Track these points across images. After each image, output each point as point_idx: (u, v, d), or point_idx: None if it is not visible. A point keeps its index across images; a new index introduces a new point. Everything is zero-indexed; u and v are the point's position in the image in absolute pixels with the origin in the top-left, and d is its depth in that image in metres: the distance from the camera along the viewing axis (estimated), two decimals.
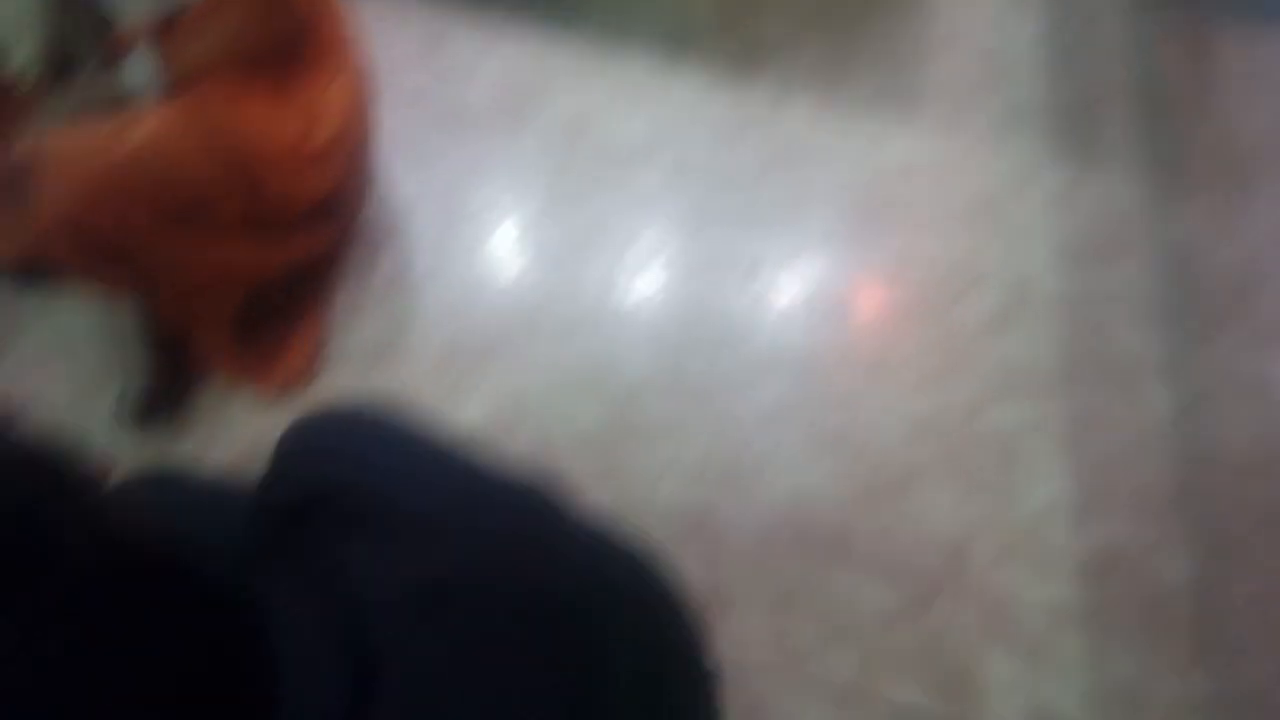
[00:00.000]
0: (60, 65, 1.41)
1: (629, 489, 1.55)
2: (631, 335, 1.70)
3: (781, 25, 2.10)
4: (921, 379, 1.65)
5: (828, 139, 1.93)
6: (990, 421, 1.61)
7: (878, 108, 1.95)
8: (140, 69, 1.37)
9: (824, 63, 2.03)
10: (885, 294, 1.74)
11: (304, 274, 1.70)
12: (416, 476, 0.59)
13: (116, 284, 1.44)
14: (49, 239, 1.30)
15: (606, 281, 1.77)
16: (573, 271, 1.79)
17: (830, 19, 2.09)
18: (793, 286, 1.75)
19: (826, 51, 2.05)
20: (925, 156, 1.90)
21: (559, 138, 1.97)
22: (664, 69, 2.04)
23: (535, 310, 1.74)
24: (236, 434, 1.63)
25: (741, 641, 1.42)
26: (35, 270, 1.42)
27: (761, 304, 1.73)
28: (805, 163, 1.90)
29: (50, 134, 1.32)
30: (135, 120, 1.32)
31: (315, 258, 1.70)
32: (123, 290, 1.47)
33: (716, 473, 1.57)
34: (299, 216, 1.54)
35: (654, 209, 1.86)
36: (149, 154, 1.30)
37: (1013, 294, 1.73)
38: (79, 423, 1.65)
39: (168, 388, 1.67)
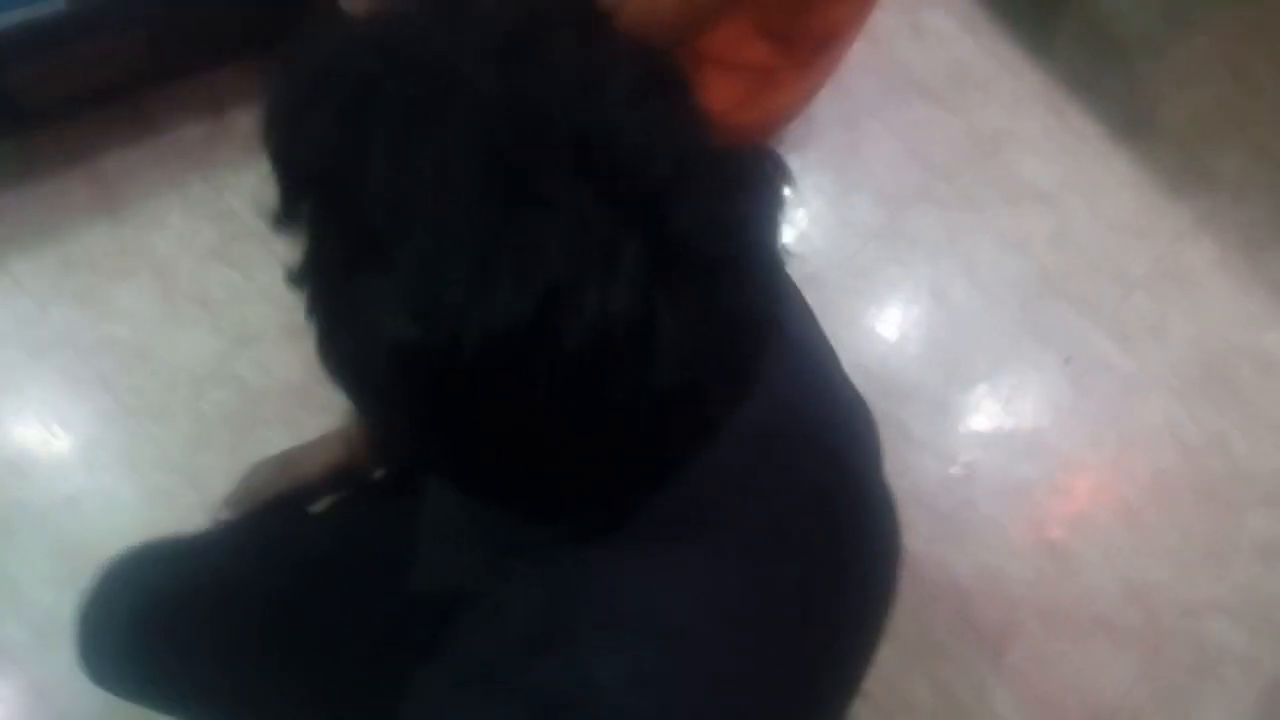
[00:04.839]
0: None
1: None
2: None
3: (1243, 167, 1.93)
4: (1160, 551, 1.60)
5: (1208, 290, 1.81)
6: (1202, 630, 1.56)
7: None
8: None
9: (1263, 224, 1.88)
10: (1179, 458, 1.67)
11: None
12: None
13: None
14: None
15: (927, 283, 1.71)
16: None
17: None
18: (1092, 392, 1.69)
19: (1273, 215, 1.89)
20: None
21: (971, 141, 1.81)
22: (1110, 136, 1.90)
23: None
24: None
25: None
26: None
27: (1050, 390, 1.69)
28: (1175, 299, 1.80)
29: None
30: None
31: None
32: None
33: (930, 504, 1.56)
34: None
35: (1009, 253, 1.74)
36: None
37: None
38: None
39: None
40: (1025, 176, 1.85)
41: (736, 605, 0.56)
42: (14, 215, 1.42)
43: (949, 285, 1.73)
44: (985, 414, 1.65)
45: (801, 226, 1.73)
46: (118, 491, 1.32)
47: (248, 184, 1.47)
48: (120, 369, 1.38)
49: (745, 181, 0.45)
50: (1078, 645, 1.52)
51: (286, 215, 0.45)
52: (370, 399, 0.46)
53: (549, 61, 0.42)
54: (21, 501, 1.29)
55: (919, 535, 1.52)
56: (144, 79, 1.41)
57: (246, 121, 1.52)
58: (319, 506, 1.03)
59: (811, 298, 1.68)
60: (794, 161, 1.74)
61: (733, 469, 0.53)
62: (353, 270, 0.42)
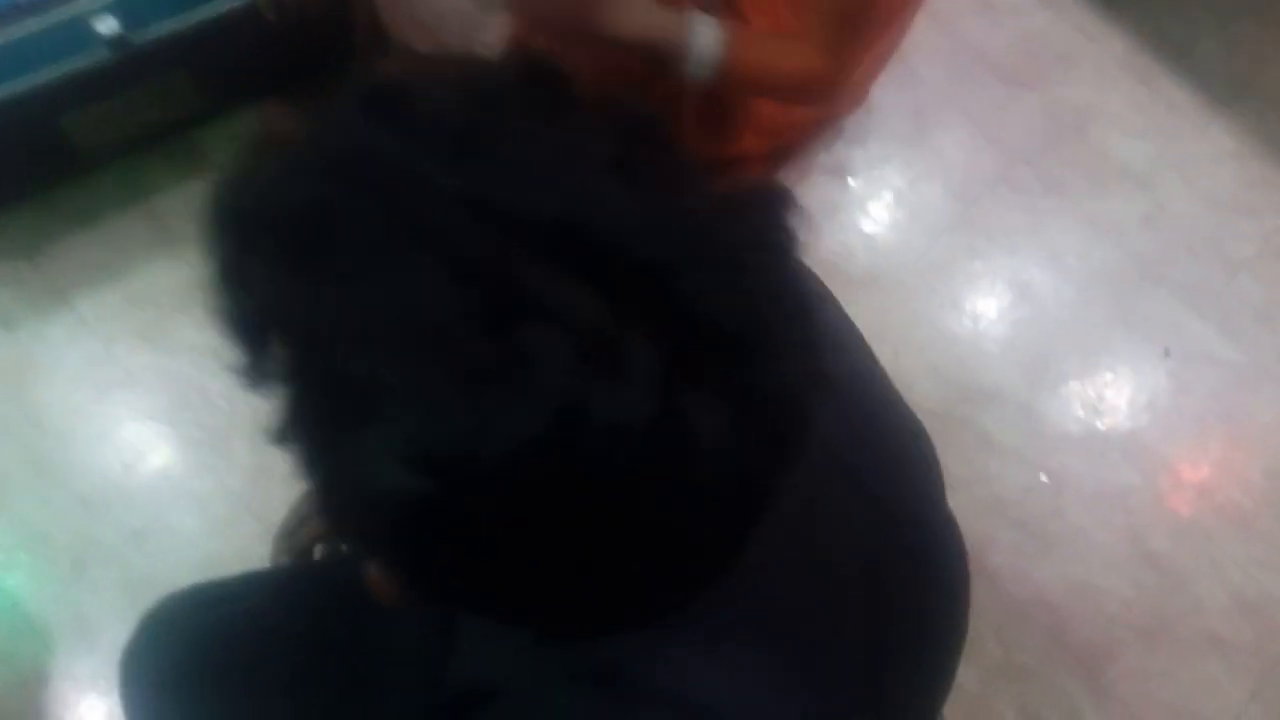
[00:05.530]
0: None
1: None
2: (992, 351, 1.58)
3: None
4: (1275, 560, 1.48)
5: None
6: None
7: None
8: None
9: None
10: None
11: None
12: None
13: None
14: None
15: (988, 279, 1.63)
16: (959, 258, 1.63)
17: None
18: (1194, 387, 1.58)
19: None
20: None
21: (1052, 120, 1.75)
22: (1207, 106, 1.79)
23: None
24: None
25: None
26: None
27: (1148, 386, 1.58)
28: None
29: None
30: None
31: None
32: None
33: (1014, 515, 1.47)
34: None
35: (1099, 240, 1.66)
36: None
37: None
38: None
39: None
40: (1114, 155, 1.73)
41: (793, 681, 0.52)
42: (78, 255, 1.45)
43: (1033, 278, 1.62)
44: (1075, 415, 1.54)
45: (868, 224, 1.65)
46: (182, 524, 1.34)
47: None
48: (182, 403, 1.40)
49: (752, 235, 0.40)
50: (1183, 664, 1.41)
51: (253, 373, 0.41)
52: (387, 552, 0.42)
53: (513, 151, 0.38)
54: (92, 537, 1.32)
55: (1003, 549, 1.43)
56: (194, 116, 1.44)
57: None
58: None
59: (882, 299, 1.61)
60: (856, 155, 1.67)
61: (782, 531, 0.48)
62: (339, 423, 0.38)
